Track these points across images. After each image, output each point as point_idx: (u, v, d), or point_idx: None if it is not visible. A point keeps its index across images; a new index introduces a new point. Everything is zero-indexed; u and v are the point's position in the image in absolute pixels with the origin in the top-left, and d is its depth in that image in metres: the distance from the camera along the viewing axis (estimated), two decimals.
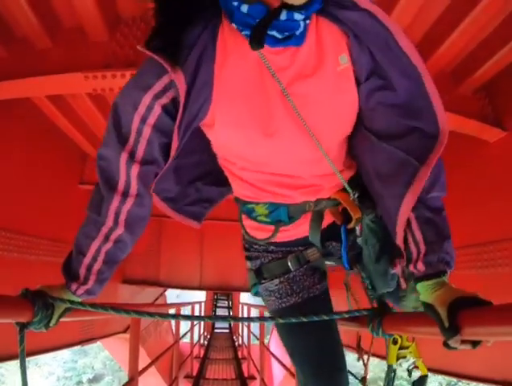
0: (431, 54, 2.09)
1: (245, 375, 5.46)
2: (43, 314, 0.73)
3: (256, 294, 1.07)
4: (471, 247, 2.42)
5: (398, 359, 0.76)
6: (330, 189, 0.91)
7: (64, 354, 14.23)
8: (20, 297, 0.73)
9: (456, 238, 2.36)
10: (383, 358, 0.88)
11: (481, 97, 2.29)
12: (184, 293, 13.92)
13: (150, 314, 0.72)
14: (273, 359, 4.53)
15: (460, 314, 0.56)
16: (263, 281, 1.02)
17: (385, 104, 0.72)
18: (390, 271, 0.84)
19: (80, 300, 0.83)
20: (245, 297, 13.02)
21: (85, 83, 1.94)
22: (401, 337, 0.75)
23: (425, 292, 0.67)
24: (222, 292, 11.65)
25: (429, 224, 0.71)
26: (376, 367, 11.67)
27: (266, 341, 5.32)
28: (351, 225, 0.91)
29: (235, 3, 0.63)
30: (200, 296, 11.21)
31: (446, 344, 0.59)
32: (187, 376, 5.54)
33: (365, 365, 1.10)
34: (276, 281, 1.00)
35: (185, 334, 5.93)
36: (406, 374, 0.77)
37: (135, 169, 0.76)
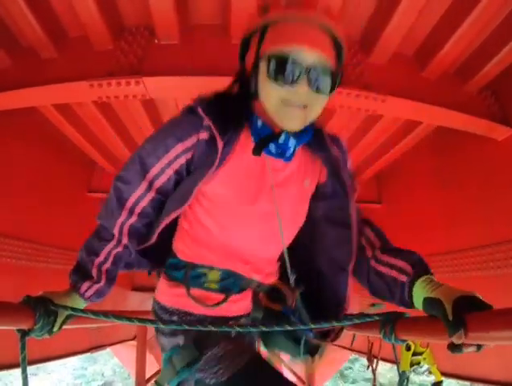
0: (434, 53, 2.07)
1: None
2: (45, 321, 0.73)
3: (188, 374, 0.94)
4: (482, 248, 2.38)
5: (411, 365, 0.74)
6: (267, 275, 1.07)
7: (74, 361, 14.24)
8: (21, 304, 0.72)
9: (466, 238, 2.36)
10: (393, 363, 0.87)
11: (486, 96, 2.27)
12: None
13: (152, 322, 0.70)
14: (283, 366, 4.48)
15: (467, 317, 0.56)
16: (200, 357, 0.93)
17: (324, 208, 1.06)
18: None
19: (84, 305, 0.90)
20: None
21: (90, 91, 1.95)
22: (414, 343, 0.73)
23: (426, 291, 0.74)
24: None
25: (398, 257, 0.90)
26: (389, 372, 11.52)
27: None
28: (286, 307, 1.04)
29: (255, 117, 0.94)
30: None
31: (450, 346, 0.61)
32: None
33: (374, 372, 1.08)
34: (209, 351, 0.94)
35: None
36: (417, 378, 0.76)
37: (150, 195, 0.97)
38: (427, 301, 0.71)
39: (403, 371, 0.76)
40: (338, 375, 13.83)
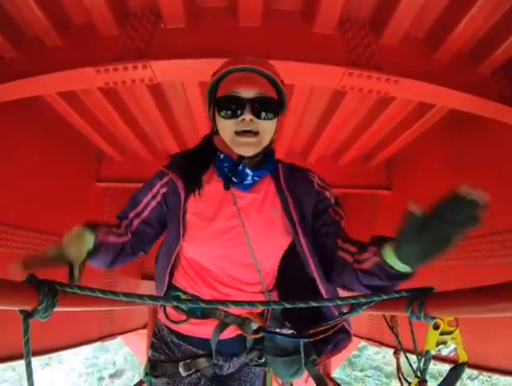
0: (446, 35, 2.01)
1: None
2: (49, 302, 0.69)
3: (148, 382, 1.26)
4: (496, 234, 2.34)
5: (437, 344, 0.71)
6: (248, 296, 1.18)
7: (86, 350, 14.46)
8: (24, 283, 0.68)
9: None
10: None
11: (499, 78, 2.20)
12: None
13: (140, 297, 0.66)
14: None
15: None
16: (155, 375, 1.23)
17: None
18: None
19: (91, 246, 1.09)
20: None
21: (97, 77, 1.92)
22: (443, 321, 0.70)
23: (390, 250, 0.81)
24: None
25: (369, 247, 0.94)
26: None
27: None
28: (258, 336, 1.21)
29: (218, 152, 1.17)
30: None
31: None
32: None
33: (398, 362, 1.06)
34: (164, 379, 1.22)
35: None
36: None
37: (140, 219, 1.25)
38: (395, 250, 0.78)
39: (427, 351, 0.73)
40: (346, 363, 13.93)
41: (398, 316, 1.13)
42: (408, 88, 2.01)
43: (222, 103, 1.07)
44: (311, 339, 1.11)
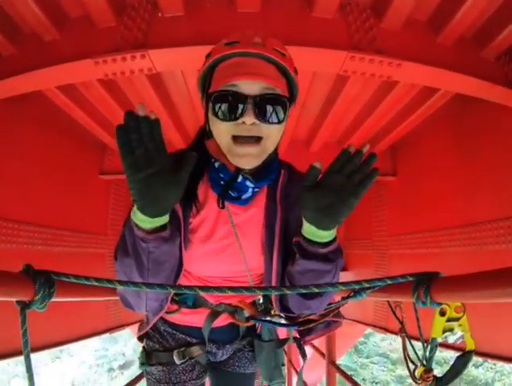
0: (449, 19, 1.97)
1: None
2: (46, 292, 0.67)
3: (144, 371, 1.31)
4: (499, 221, 2.32)
5: (444, 331, 0.70)
6: (233, 297, 1.18)
7: (95, 342, 14.69)
8: (20, 273, 0.67)
9: (483, 211, 2.31)
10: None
11: (504, 63, 2.16)
12: None
13: (136, 285, 0.65)
14: None
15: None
16: (150, 364, 1.25)
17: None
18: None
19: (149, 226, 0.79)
20: None
21: (96, 69, 1.91)
22: (449, 307, 0.68)
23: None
24: None
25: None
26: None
27: None
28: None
29: (212, 160, 0.97)
30: None
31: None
32: None
33: (405, 348, 1.06)
34: (159, 367, 1.24)
35: None
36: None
37: None
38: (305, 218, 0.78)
39: (433, 338, 0.72)
40: (353, 350, 14.05)
41: (403, 303, 1.12)
42: (411, 71, 1.98)
43: (216, 100, 0.84)
44: (301, 327, 1.16)
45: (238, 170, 0.94)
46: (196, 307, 1.19)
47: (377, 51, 1.91)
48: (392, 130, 3.12)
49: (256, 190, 0.99)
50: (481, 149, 2.49)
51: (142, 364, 1.28)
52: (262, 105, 0.82)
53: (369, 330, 4.25)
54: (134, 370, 14.26)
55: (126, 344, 15.41)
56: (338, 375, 2.39)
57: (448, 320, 0.69)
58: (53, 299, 0.69)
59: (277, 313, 1.19)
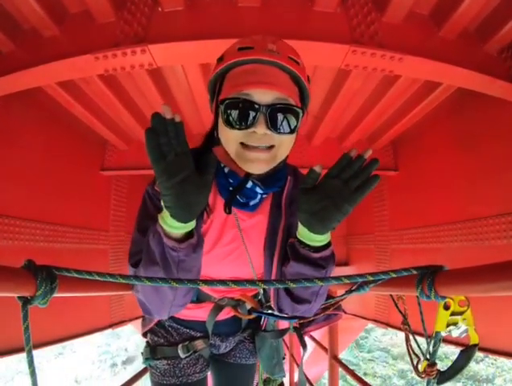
0: (451, 12, 1.95)
1: None
2: (47, 288, 0.66)
3: (148, 365, 1.32)
4: (500, 216, 2.31)
5: (447, 325, 0.69)
6: (236, 291, 1.22)
7: (98, 338, 14.75)
8: (22, 269, 0.66)
9: (484, 206, 2.30)
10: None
11: (507, 57, 2.14)
12: None
13: (138, 279, 0.64)
14: None
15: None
16: (155, 359, 1.27)
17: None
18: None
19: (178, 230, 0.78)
20: None
21: (96, 64, 1.90)
22: (453, 300, 0.68)
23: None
24: None
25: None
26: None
27: None
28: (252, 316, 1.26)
29: (222, 166, 0.96)
30: None
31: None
32: None
33: (407, 343, 1.05)
34: (164, 361, 1.26)
35: None
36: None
37: None
38: (301, 221, 0.79)
39: (437, 332, 0.72)
40: (354, 345, 14.09)
41: (405, 297, 1.12)
42: (413, 65, 1.97)
43: (228, 107, 0.81)
44: (301, 321, 1.22)
45: (248, 176, 0.92)
46: (201, 302, 1.22)
47: (379, 45, 1.90)
48: (394, 125, 3.11)
49: (264, 196, 0.99)
50: (483, 144, 2.48)
51: (146, 359, 1.30)
52: (274, 115, 0.81)
53: (370, 324, 4.26)
54: (137, 365, 14.34)
55: (129, 340, 15.48)
56: (341, 370, 2.40)
57: (452, 314, 0.69)
58: (55, 295, 0.68)
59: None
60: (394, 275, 0.64)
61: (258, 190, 0.94)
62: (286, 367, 3.51)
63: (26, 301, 0.65)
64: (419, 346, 0.99)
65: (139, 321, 1.45)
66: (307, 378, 2.58)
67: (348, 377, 2.23)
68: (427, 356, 0.78)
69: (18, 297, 0.65)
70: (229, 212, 0.93)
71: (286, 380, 3.69)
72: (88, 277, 0.64)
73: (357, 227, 4.25)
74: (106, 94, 2.53)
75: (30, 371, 0.65)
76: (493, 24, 2.03)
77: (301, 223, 0.79)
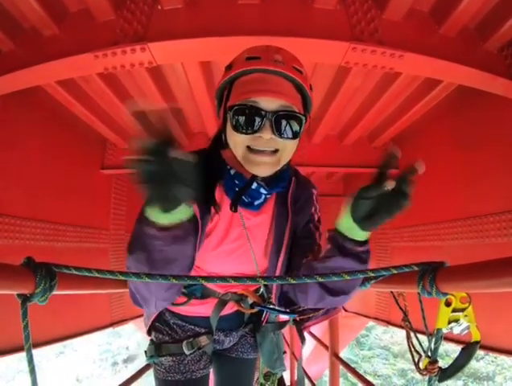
0: (451, 10, 1.94)
1: None
2: (46, 285, 0.67)
3: (152, 362, 1.35)
4: (501, 214, 2.31)
5: (449, 322, 0.69)
6: (238, 287, 1.24)
7: (99, 337, 14.78)
8: (21, 266, 0.66)
9: (485, 204, 2.30)
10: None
11: (507, 54, 2.14)
12: None
13: (138, 276, 0.64)
14: None
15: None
16: (160, 356, 1.30)
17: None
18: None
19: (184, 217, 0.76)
20: None
21: (96, 62, 1.90)
22: (455, 297, 0.68)
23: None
24: None
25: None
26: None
27: None
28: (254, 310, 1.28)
29: (228, 168, 1.03)
30: None
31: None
32: None
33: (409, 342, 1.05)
34: (169, 358, 1.29)
35: None
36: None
37: None
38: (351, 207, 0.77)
39: (439, 329, 0.71)
40: (355, 343, 14.11)
41: (406, 294, 1.12)
42: (413, 63, 1.96)
43: (236, 113, 0.88)
44: (301, 316, 1.25)
45: (253, 178, 0.99)
46: (205, 298, 1.24)
47: (379, 42, 1.89)
48: (394, 123, 3.10)
49: (268, 196, 1.06)
50: (483, 142, 2.47)
51: (150, 357, 1.32)
52: (279, 121, 0.88)
53: (370, 323, 4.26)
54: (138, 364, 14.36)
55: (130, 338, 15.51)
56: (341, 368, 2.40)
57: (454, 311, 0.68)
58: (54, 292, 0.68)
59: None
60: (395, 271, 0.64)
61: (263, 190, 1.02)
62: (287, 363, 3.51)
63: (25, 299, 0.65)
64: (420, 343, 0.99)
65: (140, 319, 1.46)
66: (305, 373, 2.57)
67: (349, 375, 2.23)
68: (429, 353, 0.77)
69: (18, 295, 0.65)
70: (235, 210, 0.99)
71: (286, 378, 3.71)
72: (87, 273, 0.64)
73: None
74: (106, 92, 2.52)
75: (30, 368, 0.65)
76: (494, 21, 2.03)
77: (355, 220, 0.77)
